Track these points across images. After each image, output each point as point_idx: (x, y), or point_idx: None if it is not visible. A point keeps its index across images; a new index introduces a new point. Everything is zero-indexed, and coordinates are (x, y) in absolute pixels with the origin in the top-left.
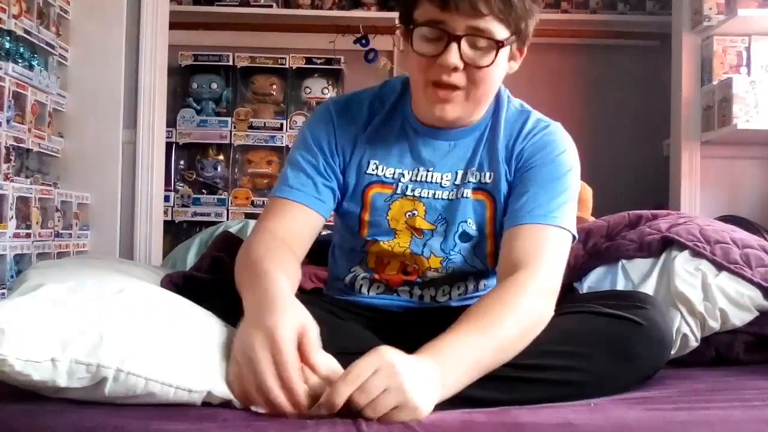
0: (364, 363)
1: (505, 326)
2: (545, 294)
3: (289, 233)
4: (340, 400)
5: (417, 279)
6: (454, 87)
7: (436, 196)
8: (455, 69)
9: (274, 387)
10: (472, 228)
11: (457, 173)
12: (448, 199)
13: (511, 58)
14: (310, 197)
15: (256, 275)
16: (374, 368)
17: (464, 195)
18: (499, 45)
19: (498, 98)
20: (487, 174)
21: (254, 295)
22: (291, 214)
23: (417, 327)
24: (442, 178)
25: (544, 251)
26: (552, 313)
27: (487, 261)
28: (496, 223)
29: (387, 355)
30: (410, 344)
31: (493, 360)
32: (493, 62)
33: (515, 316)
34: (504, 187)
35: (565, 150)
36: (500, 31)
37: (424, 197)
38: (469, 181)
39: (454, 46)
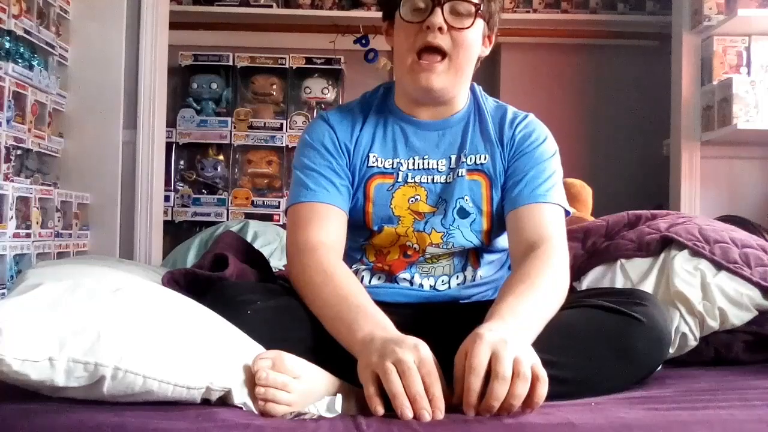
0: (476, 351)
1: (544, 285)
2: (564, 264)
3: (331, 237)
4: (474, 395)
5: (419, 258)
6: (438, 50)
7: (435, 181)
8: (440, 29)
9: (424, 395)
10: (468, 204)
11: (450, 158)
12: (445, 182)
13: (485, 36)
14: (334, 196)
15: (344, 294)
16: (489, 351)
17: (460, 175)
18: (477, 7)
19: (474, 92)
20: (482, 156)
21: (360, 312)
22: (323, 216)
23: (419, 324)
24: (437, 164)
25: (552, 228)
26: (568, 282)
27: (483, 238)
28: (493, 202)
29: (489, 335)
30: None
31: (548, 312)
32: (472, 24)
33: (548, 276)
34: (500, 167)
35: (547, 136)
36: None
37: (424, 183)
38: (463, 163)
39: (437, 9)
